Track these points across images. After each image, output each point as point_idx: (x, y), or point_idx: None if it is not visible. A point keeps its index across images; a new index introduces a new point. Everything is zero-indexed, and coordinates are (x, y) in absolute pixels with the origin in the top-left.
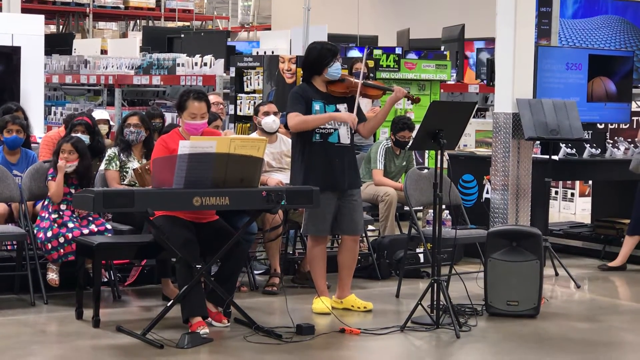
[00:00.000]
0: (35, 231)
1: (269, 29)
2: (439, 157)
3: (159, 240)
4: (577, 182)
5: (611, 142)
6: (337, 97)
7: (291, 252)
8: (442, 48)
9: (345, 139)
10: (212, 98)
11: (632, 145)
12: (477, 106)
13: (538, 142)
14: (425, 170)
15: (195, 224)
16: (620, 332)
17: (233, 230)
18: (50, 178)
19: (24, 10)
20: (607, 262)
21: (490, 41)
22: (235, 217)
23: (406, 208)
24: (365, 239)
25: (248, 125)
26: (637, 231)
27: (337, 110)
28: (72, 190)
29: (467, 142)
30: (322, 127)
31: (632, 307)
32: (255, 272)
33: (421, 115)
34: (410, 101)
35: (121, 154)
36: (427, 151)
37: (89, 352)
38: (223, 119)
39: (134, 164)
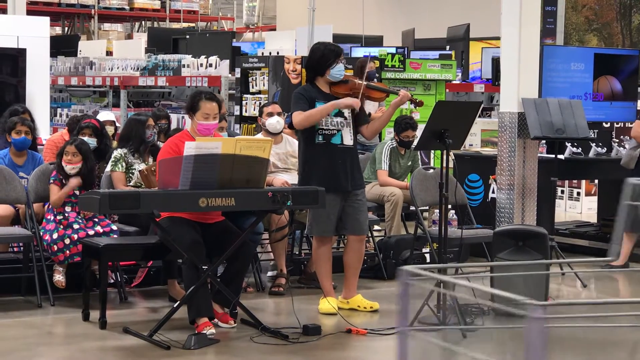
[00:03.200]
0: (41, 233)
1: (274, 29)
2: (444, 156)
3: (165, 241)
4: (583, 181)
5: (617, 141)
6: (340, 99)
7: (297, 253)
8: (447, 48)
9: (348, 140)
10: None
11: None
12: (482, 106)
13: (544, 141)
14: (431, 170)
15: (202, 225)
16: (627, 331)
17: (239, 231)
18: (52, 181)
19: (29, 12)
20: (609, 262)
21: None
22: (242, 218)
23: (412, 208)
24: (371, 239)
25: (254, 126)
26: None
27: (340, 112)
28: (77, 192)
29: (473, 142)
30: (325, 128)
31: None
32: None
33: (426, 115)
34: (413, 104)
35: (128, 156)
36: (432, 151)
37: (96, 354)
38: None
39: (140, 165)
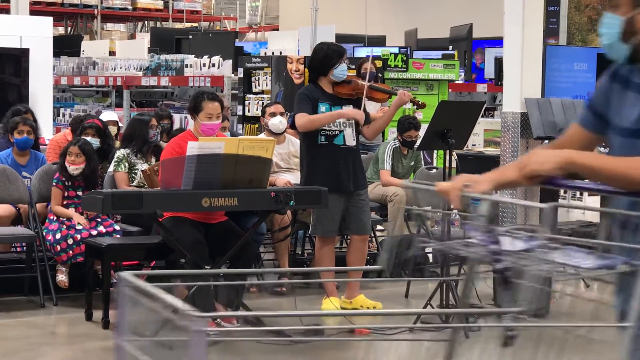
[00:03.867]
0: (44, 233)
1: (277, 29)
2: (447, 156)
3: (168, 241)
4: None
5: None
6: (343, 99)
7: (300, 253)
8: (450, 47)
9: (350, 140)
10: None
11: None
12: (485, 106)
13: (547, 141)
14: (434, 170)
15: (204, 225)
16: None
17: (242, 231)
18: (54, 184)
19: (33, 12)
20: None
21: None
22: (244, 218)
23: None
24: (374, 239)
25: (256, 126)
26: None
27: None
28: (79, 193)
29: (476, 142)
30: (327, 129)
31: None
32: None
33: (429, 115)
34: (415, 106)
35: (131, 156)
36: (435, 151)
37: (99, 354)
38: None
39: (143, 165)
